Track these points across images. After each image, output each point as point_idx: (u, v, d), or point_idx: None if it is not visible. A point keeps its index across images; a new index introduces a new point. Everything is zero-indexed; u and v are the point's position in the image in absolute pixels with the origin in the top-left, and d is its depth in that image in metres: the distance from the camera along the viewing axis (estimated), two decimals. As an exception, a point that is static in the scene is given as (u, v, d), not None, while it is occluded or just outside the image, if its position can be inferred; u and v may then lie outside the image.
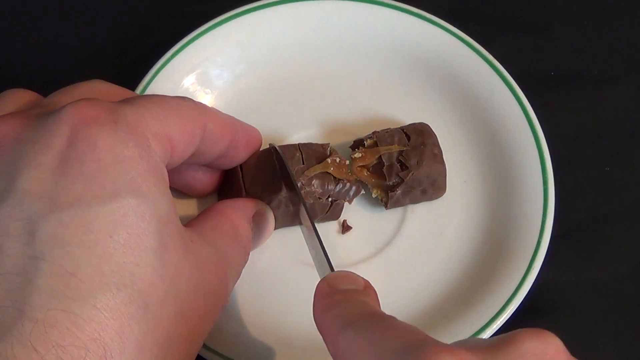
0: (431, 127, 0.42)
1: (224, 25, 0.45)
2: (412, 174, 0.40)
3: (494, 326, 0.37)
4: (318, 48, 0.46)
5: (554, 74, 0.49)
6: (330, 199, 0.40)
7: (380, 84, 0.46)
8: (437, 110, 0.45)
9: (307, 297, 0.38)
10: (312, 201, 0.39)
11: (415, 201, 0.42)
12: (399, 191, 0.40)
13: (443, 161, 0.41)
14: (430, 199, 0.42)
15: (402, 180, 0.40)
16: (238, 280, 0.39)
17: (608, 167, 0.46)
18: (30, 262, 0.24)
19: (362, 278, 0.31)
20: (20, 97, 0.32)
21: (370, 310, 0.28)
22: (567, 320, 0.41)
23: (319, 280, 0.31)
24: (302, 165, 0.39)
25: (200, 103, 0.34)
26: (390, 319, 0.27)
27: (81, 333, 0.23)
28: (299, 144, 0.40)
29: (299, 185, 0.38)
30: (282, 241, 0.40)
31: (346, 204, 0.41)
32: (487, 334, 0.37)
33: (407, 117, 0.44)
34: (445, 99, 0.46)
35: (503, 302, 0.38)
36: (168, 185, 0.29)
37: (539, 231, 0.40)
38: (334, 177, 0.39)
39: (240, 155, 0.38)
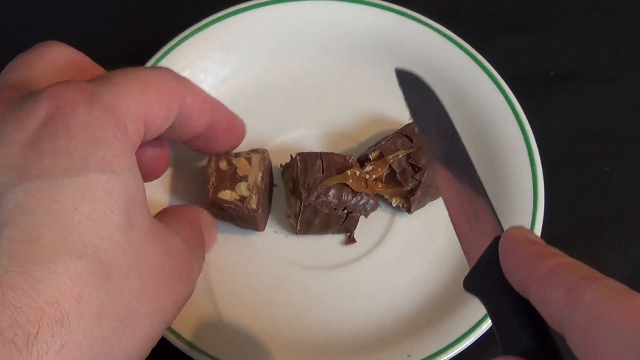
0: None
1: (207, 30, 0.44)
2: (427, 172, 0.39)
3: (489, 321, 0.37)
4: (304, 50, 0.46)
5: (552, 73, 0.49)
6: (346, 211, 0.39)
7: (367, 84, 0.46)
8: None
9: (297, 298, 0.39)
10: (327, 211, 0.39)
11: (434, 197, 0.41)
12: (419, 193, 0.40)
13: None
14: None
15: (420, 182, 0.40)
16: (227, 282, 0.39)
17: (607, 167, 0.46)
18: None
19: None
20: None
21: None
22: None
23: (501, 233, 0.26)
24: (322, 175, 0.39)
25: (182, 76, 0.33)
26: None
27: (38, 296, 0.23)
28: (321, 153, 0.40)
29: (315, 194, 0.38)
30: (272, 243, 0.41)
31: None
32: (481, 330, 0.37)
33: (398, 117, 0.44)
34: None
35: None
36: (138, 168, 0.29)
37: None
38: (352, 190, 0.39)
39: (220, 139, 0.37)
